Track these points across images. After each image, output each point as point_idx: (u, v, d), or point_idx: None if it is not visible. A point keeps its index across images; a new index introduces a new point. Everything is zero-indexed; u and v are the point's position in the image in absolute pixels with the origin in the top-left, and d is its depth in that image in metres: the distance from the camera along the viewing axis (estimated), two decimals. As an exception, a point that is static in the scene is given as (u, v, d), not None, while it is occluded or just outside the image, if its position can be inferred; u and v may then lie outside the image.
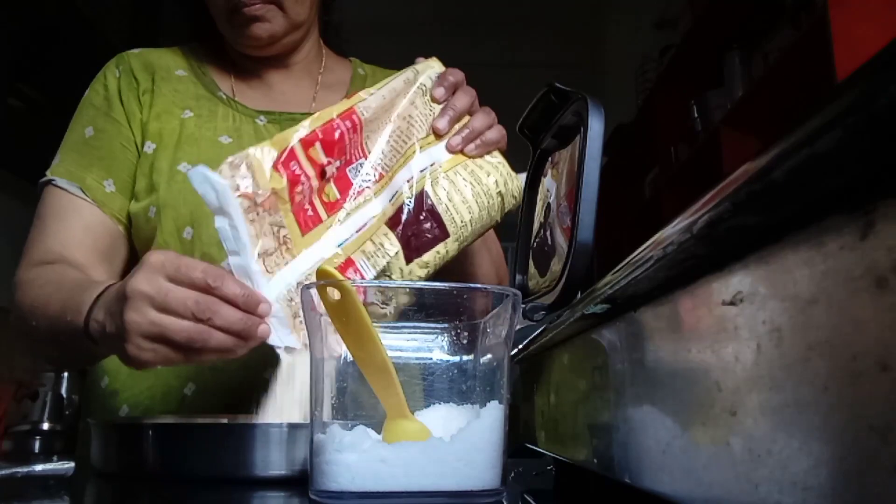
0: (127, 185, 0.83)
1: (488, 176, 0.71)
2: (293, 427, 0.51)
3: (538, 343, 0.57)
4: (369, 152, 0.69)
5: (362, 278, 0.64)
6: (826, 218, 0.19)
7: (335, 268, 0.63)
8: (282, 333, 0.59)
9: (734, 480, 0.23)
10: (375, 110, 0.69)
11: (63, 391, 2.11)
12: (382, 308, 0.43)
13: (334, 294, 0.42)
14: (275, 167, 0.63)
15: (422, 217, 0.66)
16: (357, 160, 0.68)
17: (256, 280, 0.60)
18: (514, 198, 0.73)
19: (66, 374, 2.12)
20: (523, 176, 0.74)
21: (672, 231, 0.26)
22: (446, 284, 0.45)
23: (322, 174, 0.66)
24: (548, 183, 0.67)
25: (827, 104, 0.17)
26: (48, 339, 0.71)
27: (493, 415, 0.43)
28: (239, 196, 0.60)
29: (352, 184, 0.68)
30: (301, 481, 0.47)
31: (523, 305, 0.56)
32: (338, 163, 0.67)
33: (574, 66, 4.10)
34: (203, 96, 0.87)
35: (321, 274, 0.46)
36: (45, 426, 2.02)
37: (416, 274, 0.66)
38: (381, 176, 0.69)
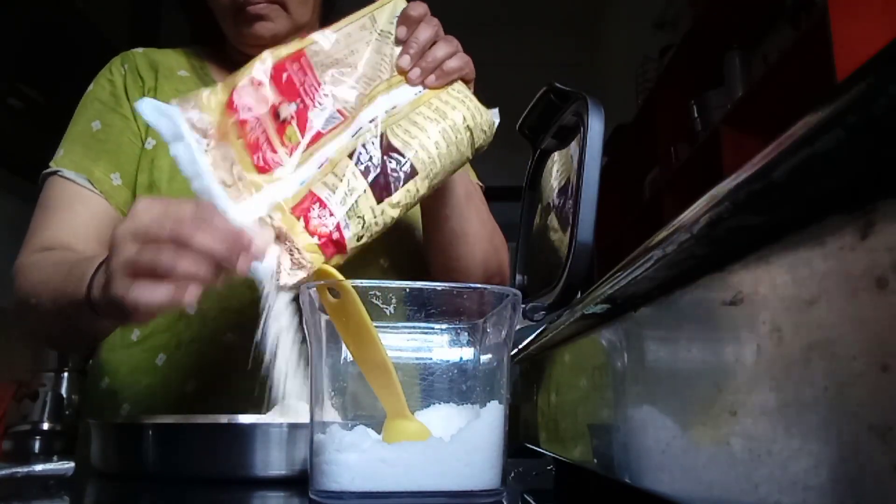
0: (132, 180, 0.84)
1: (454, 110, 0.68)
2: (293, 427, 0.51)
3: (538, 343, 0.57)
4: (333, 96, 0.68)
5: (324, 207, 0.61)
6: (826, 218, 0.19)
7: (295, 204, 0.62)
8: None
9: (734, 480, 0.23)
10: (329, 53, 0.68)
11: (63, 391, 2.11)
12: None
13: (334, 294, 0.42)
14: (225, 107, 0.62)
15: (386, 157, 0.64)
16: (319, 104, 0.67)
17: (221, 203, 0.58)
18: (483, 132, 0.71)
19: (65, 374, 2.12)
20: (495, 111, 0.73)
21: (672, 231, 0.26)
22: (446, 285, 0.45)
23: (276, 115, 0.65)
24: (572, 150, 0.64)
25: (827, 104, 0.17)
26: (49, 316, 0.70)
27: (493, 415, 0.43)
28: (189, 127, 0.59)
29: (314, 126, 0.66)
30: (301, 481, 0.47)
31: (523, 305, 0.56)
32: (293, 105, 0.66)
33: (574, 66, 4.10)
34: None
35: (321, 274, 0.46)
36: (45, 426, 2.02)
37: (388, 214, 0.64)
38: (345, 118, 0.67)
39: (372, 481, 0.40)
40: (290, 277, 0.59)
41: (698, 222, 0.24)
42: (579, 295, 0.51)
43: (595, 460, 0.39)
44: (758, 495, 0.21)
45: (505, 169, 2.00)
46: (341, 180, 0.62)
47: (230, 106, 0.63)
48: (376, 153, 0.64)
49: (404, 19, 0.71)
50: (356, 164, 0.63)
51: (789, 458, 0.20)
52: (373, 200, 0.63)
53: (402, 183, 0.64)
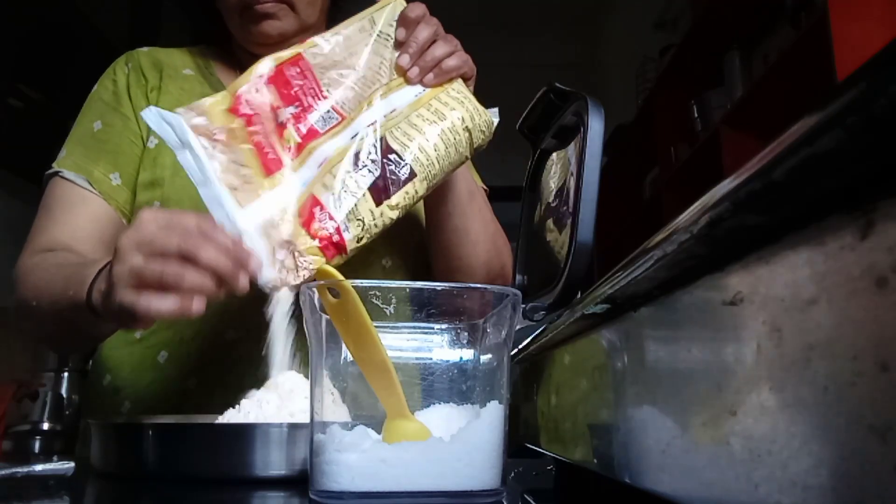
0: (132, 179, 0.84)
1: (452, 111, 0.69)
2: (293, 427, 0.51)
3: (538, 343, 0.57)
4: (331, 97, 0.69)
5: (324, 211, 0.62)
6: (826, 218, 0.19)
7: (299, 207, 0.63)
8: (263, 269, 0.60)
9: (734, 480, 0.23)
10: (329, 56, 0.69)
11: (63, 391, 2.11)
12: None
13: (334, 294, 0.42)
14: (229, 111, 0.64)
15: (385, 160, 0.65)
16: (317, 105, 0.68)
17: (229, 208, 0.60)
18: (482, 132, 0.71)
19: (66, 374, 2.12)
20: (494, 111, 0.73)
21: (672, 231, 0.26)
22: (446, 285, 0.45)
23: (276, 117, 0.66)
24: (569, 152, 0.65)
25: (827, 104, 0.17)
26: (49, 318, 0.71)
27: (493, 415, 0.43)
28: (196, 133, 0.61)
29: (313, 127, 0.67)
30: (301, 481, 0.47)
31: (523, 305, 0.56)
32: (292, 108, 0.67)
33: (574, 66, 4.10)
34: (209, 96, 0.88)
35: (321, 274, 0.46)
36: (45, 426, 2.02)
37: (387, 216, 0.65)
38: (343, 117, 0.68)
39: (372, 481, 0.40)
40: (294, 278, 0.61)
41: (698, 222, 0.24)
42: (579, 295, 0.51)
43: (595, 460, 0.39)
44: (758, 495, 0.21)
45: (505, 169, 2.00)
46: (340, 183, 0.63)
47: (234, 111, 0.64)
48: (375, 156, 0.65)
49: (403, 20, 0.71)
50: (355, 168, 0.64)
51: (789, 458, 0.20)
52: (372, 203, 0.64)
53: (400, 185, 0.65)
